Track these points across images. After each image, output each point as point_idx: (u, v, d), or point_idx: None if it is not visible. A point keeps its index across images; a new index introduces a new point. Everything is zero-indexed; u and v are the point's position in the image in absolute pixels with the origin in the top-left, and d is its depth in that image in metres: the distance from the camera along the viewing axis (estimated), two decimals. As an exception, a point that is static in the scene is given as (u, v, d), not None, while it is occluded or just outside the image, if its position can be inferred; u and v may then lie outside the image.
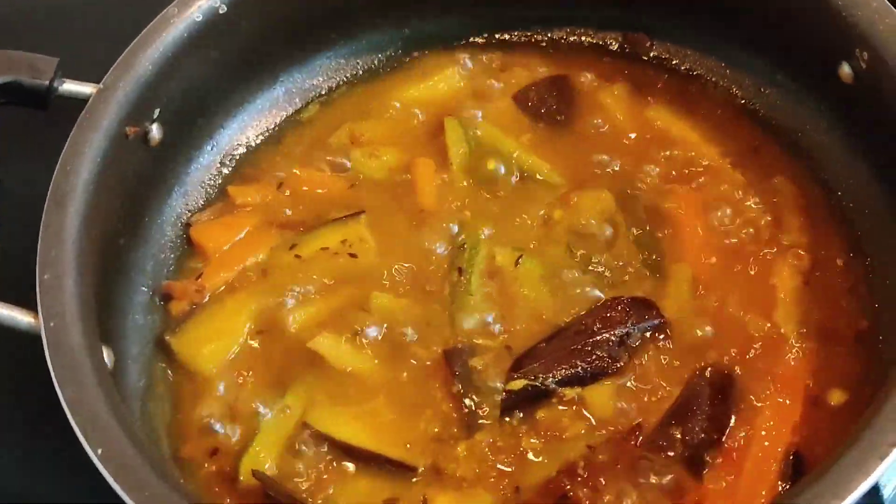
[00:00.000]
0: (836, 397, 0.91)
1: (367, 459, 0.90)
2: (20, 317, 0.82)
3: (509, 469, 0.89)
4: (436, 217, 1.06)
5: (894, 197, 0.97)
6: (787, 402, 0.91)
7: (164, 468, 0.73)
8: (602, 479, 0.87)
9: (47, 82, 0.95)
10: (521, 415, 0.92)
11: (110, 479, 0.70)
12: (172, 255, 1.07)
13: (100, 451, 0.71)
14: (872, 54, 0.91)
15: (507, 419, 0.91)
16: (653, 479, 0.87)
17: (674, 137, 1.10)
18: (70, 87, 0.97)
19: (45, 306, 0.80)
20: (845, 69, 0.97)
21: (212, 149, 1.13)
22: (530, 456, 0.90)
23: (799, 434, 0.89)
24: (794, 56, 1.06)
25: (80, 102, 0.97)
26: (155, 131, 1.01)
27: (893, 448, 0.69)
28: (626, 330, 0.95)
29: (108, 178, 0.93)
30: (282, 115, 1.17)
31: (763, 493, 0.85)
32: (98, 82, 0.97)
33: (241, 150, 1.15)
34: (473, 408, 0.92)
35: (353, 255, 1.03)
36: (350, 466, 0.90)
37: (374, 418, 0.92)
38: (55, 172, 0.89)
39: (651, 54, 1.18)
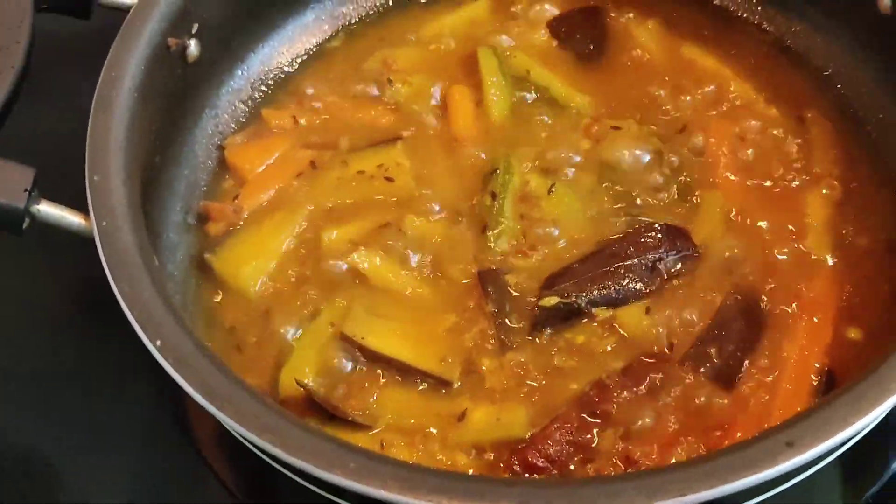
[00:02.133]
0: (854, 333, 0.92)
1: (404, 372, 0.91)
2: (71, 217, 0.82)
3: (541, 384, 0.90)
4: (470, 144, 1.07)
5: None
6: (819, 324, 0.93)
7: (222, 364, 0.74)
8: (634, 395, 0.88)
9: (90, -12, 0.95)
10: (553, 332, 0.93)
11: (171, 370, 0.70)
12: (204, 177, 1.07)
13: (158, 343, 0.71)
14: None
15: (539, 336, 0.93)
16: (685, 395, 0.88)
17: (707, 73, 1.11)
18: (111, -5, 0.97)
19: (97, 206, 0.80)
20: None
21: (242, 73, 1.13)
22: (562, 372, 0.91)
23: (830, 355, 0.90)
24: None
25: (119, 15, 0.97)
26: (193, 47, 1.01)
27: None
28: (658, 256, 0.96)
29: (150, 88, 0.93)
30: (311, 41, 1.18)
31: (798, 409, 0.87)
32: (138, -7, 0.97)
33: (272, 75, 1.15)
34: (506, 326, 0.93)
35: (389, 179, 1.03)
36: (388, 379, 0.91)
37: (410, 333, 0.93)
38: (101, 77, 0.89)
39: (683, -10, 1.18)
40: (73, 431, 0.97)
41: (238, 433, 0.70)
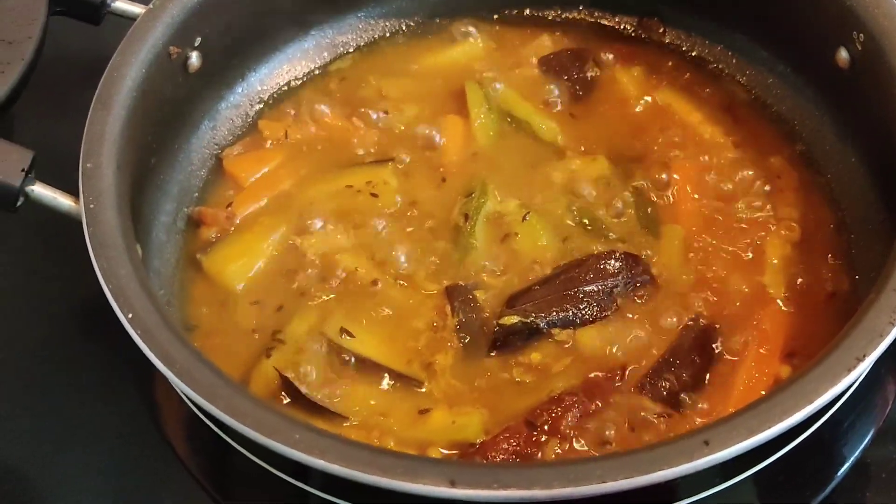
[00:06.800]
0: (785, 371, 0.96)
1: (376, 370, 0.96)
2: (62, 199, 0.88)
3: (497, 396, 0.94)
4: (455, 169, 1.13)
5: (877, 181, 1.03)
6: (767, 356, 0.96)
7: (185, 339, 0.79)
8: (584, 413, 0.92)
9: (102, -4, 1.02)
10: (512, 348, 0.97)
11: (139, 342, 0.75)
12: (197, 183, 1.13)
13: (129, 315, 0.76)
14: (868, 36, 0.98)
15: (498, 352, 0.97)
16: (631, 416, 0.92)
17: (680, 117, 1.17)
18: (122, 5, 1.05)
19: (86, 190, 0.86)
20: (842, 54, 1.03)
21: (242, 90, 1.20)
22: (518, 386, 0.95)
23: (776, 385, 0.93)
24: (794, 45, 1.13)
25: (127, 22, 1.04)
26: (195, 58, 1.07)
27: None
28: (616, 283, 1.01)
29: (149, 91, 0.99)
30: (310, 65, 1.24)
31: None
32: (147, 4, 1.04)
33: (270, 92, 1.21)
34: (468, 339, 0.98)
35: (374, 195, 1.09)
36: (359, 375, 0.95)
37: (383, 335, 0.99)
38: (103, 76, 0.95)
39: (664, 40, 1.25)
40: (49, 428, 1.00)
41: (194, 402, 0.74)
